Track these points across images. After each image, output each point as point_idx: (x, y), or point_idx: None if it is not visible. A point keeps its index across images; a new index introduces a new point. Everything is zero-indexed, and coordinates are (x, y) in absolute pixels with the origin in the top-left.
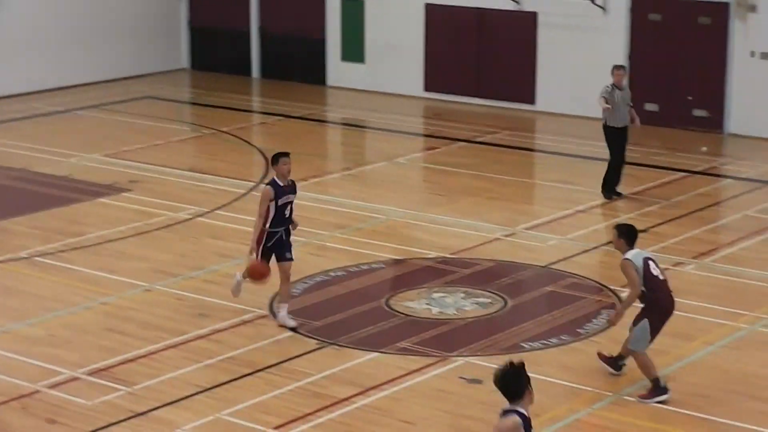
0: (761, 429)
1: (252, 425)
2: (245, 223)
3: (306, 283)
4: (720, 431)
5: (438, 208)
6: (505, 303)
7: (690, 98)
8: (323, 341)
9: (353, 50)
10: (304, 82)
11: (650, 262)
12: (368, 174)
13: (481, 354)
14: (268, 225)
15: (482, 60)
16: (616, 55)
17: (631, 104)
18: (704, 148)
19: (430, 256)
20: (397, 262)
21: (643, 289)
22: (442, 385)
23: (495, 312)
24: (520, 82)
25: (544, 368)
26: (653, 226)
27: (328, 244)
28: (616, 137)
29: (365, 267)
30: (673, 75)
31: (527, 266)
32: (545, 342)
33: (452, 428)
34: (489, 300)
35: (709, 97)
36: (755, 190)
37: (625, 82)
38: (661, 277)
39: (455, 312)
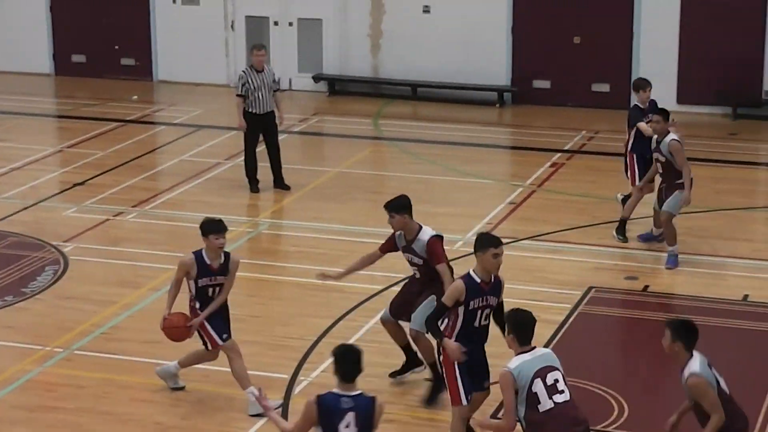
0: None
1: None
2: None
3: None
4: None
5: None
6: None
7: (117, 47)
8: None
9: None
10: None
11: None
12: None
13: None
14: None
15: None
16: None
17: (277, 87)
18: (135, 97)
19: None
20: None
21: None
22: None
23: None
24: None
25: None
26: (90, 178)
27: None
28: (257, 125)
29: None
30: (98, 25)
31: None
32: None
33: None
34: None
35: (136, 45)
36: (188, 135)
37: (266, 63)
38: (727, 391)
39: None
